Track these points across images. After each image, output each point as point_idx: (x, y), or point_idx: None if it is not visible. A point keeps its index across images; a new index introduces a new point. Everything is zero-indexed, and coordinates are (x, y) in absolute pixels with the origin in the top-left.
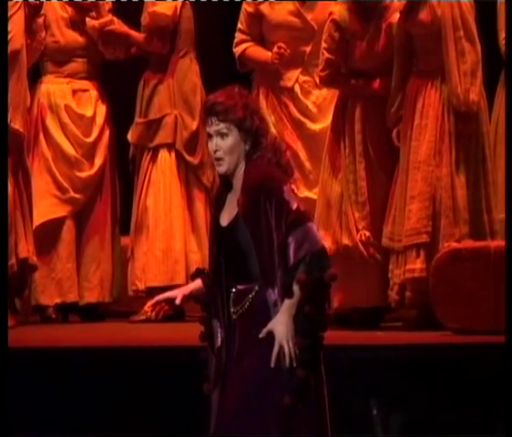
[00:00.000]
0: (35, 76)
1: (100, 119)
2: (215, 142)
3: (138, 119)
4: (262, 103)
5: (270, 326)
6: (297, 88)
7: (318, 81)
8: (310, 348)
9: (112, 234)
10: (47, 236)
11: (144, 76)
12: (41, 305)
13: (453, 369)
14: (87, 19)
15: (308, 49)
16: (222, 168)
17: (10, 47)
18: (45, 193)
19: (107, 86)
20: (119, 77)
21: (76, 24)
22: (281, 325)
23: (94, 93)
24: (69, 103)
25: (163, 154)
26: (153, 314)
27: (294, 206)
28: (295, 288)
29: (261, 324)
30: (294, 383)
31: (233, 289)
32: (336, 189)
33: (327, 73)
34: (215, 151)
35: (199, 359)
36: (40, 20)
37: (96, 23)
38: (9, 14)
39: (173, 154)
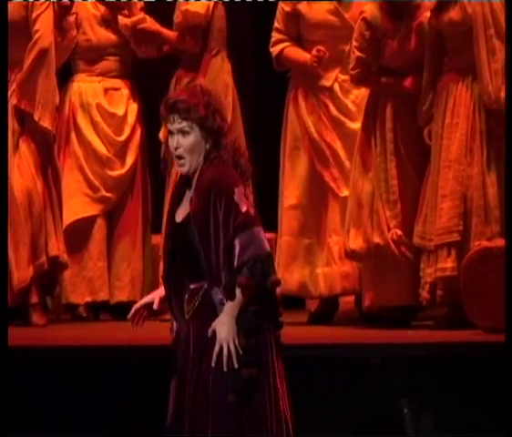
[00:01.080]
0: (66, 75)
1: (132, 118)
2: (176, 140)
3: None
4: (301, 102)
5: (213, 325)
6: (336, 87)
7: (350, 80)
8: (253, 348)
9: (143, 233)
10: (78, 234)
11: (176, 74)
12: (72, 303)
13: (483, 367)
14: (119, 17)
15: (347, 48)
16: (184, 168)
17: (38, 46)
18: (76, 192)
19: (138, 84)
20: (151, 76)
21: (109, 22)
22: (222, 325)
23: (125, 91)
24: (101, 101)
25: None
26: (134, 324)
27: (244, 209)
28: (237, 291)
29: (209, 323)
30: (238, 382)
31: (189, 287)
32: (367, 188)
33: (358, 71)
34: (176, 149)
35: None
36: (71, 19)
37: (128, 21)
38: (37, 12)
39: None
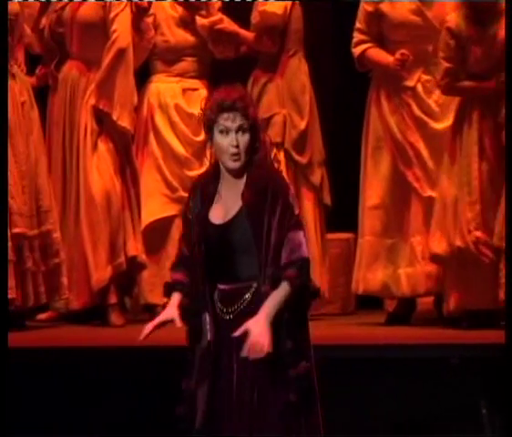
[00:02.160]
0: (144, 76)
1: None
2: (235, 138)
3: None
4: (383, 102)
5: (248, 325)
6: (419, 87)
7: (440, 91)
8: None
9: None
10: (157, 235)
11: (253, 74)
12: (150, 304)
13: None
14: (197, 18)
15: (430, 48)
16: (237, 164)
17: (116, 45)
18: (154, 192)
19: (216, 84)
20: (228, 76)
21: (186, 23)
22: (258, 325)
23: (203, 92)
24: (179, 102)
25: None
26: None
27: (296, 210)
28: (284, 283)
29: None
30: (298, 380)
31: (220, 288)
32: (452, 191)
33: (447, 82)
34: (236, 147)
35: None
36: (149, 20)
37: (205, 22)
38: (115, 12)
39: (282, 153)
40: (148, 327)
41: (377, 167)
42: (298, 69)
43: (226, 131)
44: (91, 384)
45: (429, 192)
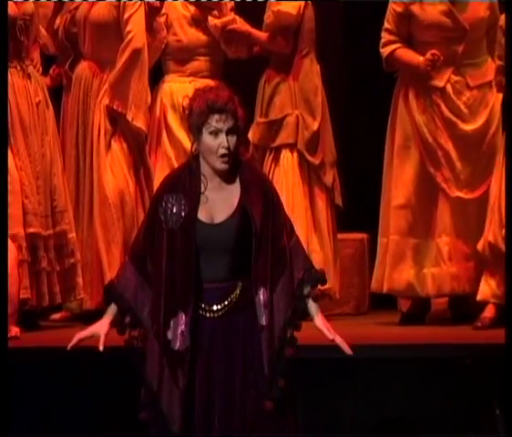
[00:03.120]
0: (157, 76)
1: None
2: (226, 139)
3: (258, 119)
4: (412, 101)
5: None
6: (449, 88)
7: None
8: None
9: None
10: None
11: (266, 73)
12: None
13: None
14: (210, 18)
15: (460, 49)
16: (227, 166)
17: (131, 46)
18: None
19: (228, 84)
20: (240, 76)
21: (199, 22)
22: None
23: None
24: None
25: (285, 154)
26: None
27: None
28: (311, 303)
29: (248, 322)
30: (277, 390)
31: (205, 287)
32: (498, 189)
33: (499, 79)
34: (227, 148)
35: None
36: (161, 20)
37: (218, 22)
38: (129, 13)
39: (295, 154)
40: (76, 337)
41: (404, 167)
42: (310, 70)
43: (216, 132)
44: (104, 384)
45: (457, 193)
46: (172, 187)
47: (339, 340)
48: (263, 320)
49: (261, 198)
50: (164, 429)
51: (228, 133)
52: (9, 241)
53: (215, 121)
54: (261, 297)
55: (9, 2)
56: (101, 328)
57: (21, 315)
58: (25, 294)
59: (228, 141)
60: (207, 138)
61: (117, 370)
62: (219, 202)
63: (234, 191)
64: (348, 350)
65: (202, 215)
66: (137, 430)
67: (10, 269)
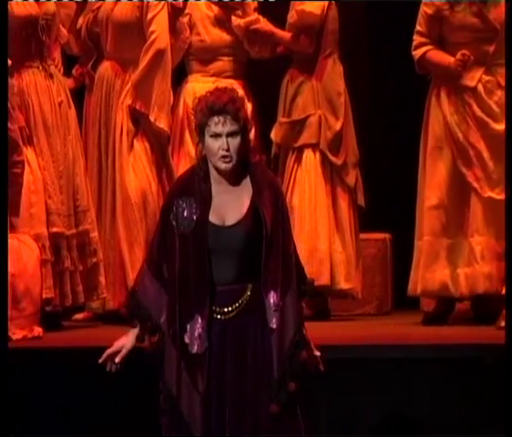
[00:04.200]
0: (180, 76)
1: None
2: (226, 141)
3: (281, 119)
4: (444, 102)
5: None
6: (480, 88)
7: None
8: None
9: None
10: None
11: (289, 73)
12: None
13: None
14: (233, 18)
15: (491, 49)
16: (229, 165)
17: (155, 47)
18: None
19: (251, 84)
20: (263, 75)
21: (222, 22)
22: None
23: (239, 92)
24: None
25: (308, 154)
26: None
27: None
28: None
29: (258, 324)
30: (284, 394)
31: (218, 289)
32: None
33: None
34: (227, 150)
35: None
36: (184, 20)
37: (241, 21)
38: (152, 13)
39: (318, 154)
40: (106, 353)
41: (436, 167)
42: (333, 70)
43: (216, 135)
44: (126, 384)
45: (489, 193)
46: (182, 191)
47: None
48: (273, 323)
49: (272, 201)
50: (185, 433)
51: (228, 135)
52: (32, 241)
53: (214, 124)
54: (271, 300)
55: (31, 2)
56: (127, 342)
57: (44, 315)
58: (48, 294)
59: (228, 143)
60: (208, 141)
61: (142, 372)
62: (229, 204)
63: (244, 193)
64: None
65: (213, 218)
66: (158, 433)
67: (33, 270)
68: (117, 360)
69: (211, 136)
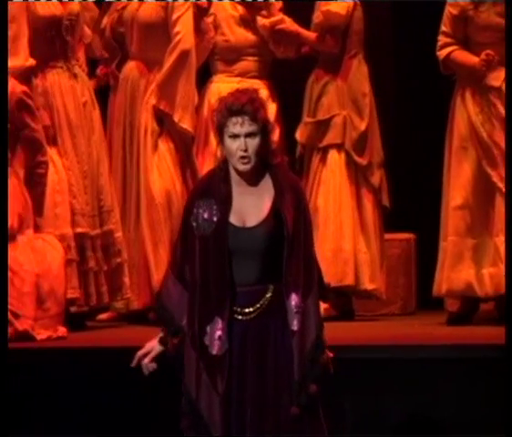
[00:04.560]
0: (205, 76)
1: (270, 118)
2: (244, 142)
3: (306, 119)
4: (469, 102)
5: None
6: (504, 88)
7: None
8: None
9: None
10: None
11: (314, 73)
12: None
13: None
14: (258, 18)
15: None
16: (248, 166)
17: (180, 47)
18: None
19: (277, 84)
20: (288, 76)
21: (247, 22)
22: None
23: (264, 92)
24: None
25: (333, 154)
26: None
27: None
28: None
29: (279, 325)
30: (305, 397)
31: (238, 290)
32: None
33: None
34: (245, 150)
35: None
36: (209, 20)
37: (266, 22)
38: (177, 14)
39: (342, 154)
40: (137, 356)
41: (461, 167)
42: (358, 71)
43: (234, 136)
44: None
45: None
46: (203, 192)
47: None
48: (295, 325)
49: (293, 203)
50: (205, 434)
51: (246, 136)
52: (56, 241)
53: (232, 124)
54: (293, 302)
55: (55, 2)
56: (156, 344)
57: (68, 315)
58: (73, 294)
59: (246, 144)
60: (227, 141)
61: (165, 373)
62: (250, 206)
63: (265, 195)
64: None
65: (234, 219)
66: (179, 434)
67: (57, 270)
68: (146, 360)
69: (230, 136)
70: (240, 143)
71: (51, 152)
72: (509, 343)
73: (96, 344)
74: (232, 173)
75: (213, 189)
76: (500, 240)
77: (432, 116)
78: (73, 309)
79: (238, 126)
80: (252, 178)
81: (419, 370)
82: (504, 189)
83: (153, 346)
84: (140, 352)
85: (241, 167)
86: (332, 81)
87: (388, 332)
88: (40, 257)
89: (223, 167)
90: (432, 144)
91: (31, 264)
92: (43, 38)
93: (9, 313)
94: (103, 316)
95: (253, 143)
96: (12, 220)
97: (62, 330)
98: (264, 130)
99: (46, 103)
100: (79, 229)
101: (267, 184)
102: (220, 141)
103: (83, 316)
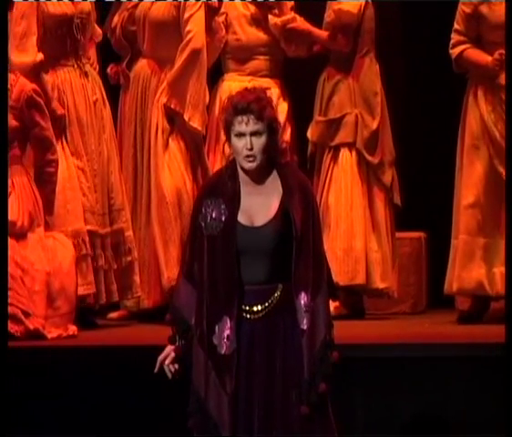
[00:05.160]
0: (216, 75)
1: (282, 117)
2: (250, 140)
3: (317, 117)
4: (481, 101)
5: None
6: None
7: None
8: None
9: None
10: None
11: (325, 72)
12: None
13: None
14: (270, 17)
15: None
16: (253, 164)
17: (191, 46)
18: None
19: (288, 83)
20: (299, 75)
21: (258, 21)
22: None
23: (276, 91)
24: None
25: (344, 153)
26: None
27: None
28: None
29: (288, 324)
30: (314, 396)
31: (246, 289)
32: None
33: None
34: (250, 149)
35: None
36: (220, 19)
37: (278, 20)
38: (189, 13)
39: (354, 153)
40: (158, 361)
41: (473, 166)
42: (370, 69)
43: (240, 134)
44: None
45: None
46: (211, 192)
47: None
48: (304, 324)
49: (302, 203)
50: (213, 434)
51: (252, 134)
52: (67, 240)
53: (238, 123)
54: (302, 300)
55: (66, 1)
56: (175, 347)
57: (79, 314)
58: (89, 289)
59: (251, 142)
60: (233, 140)
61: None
62: (258, 205)
63: (274, 194)
64: None
65: (242, 218)
66: (188, 433)
67: (68, 268)
68: (166, 362)
69: (236, 135)
70: (245, 141)
71: (61, 149)
72: (509, 343)
73: (106, 343)
74: (240, 172)
75: (221, 189)
76: None
77: (443, 115)
78: (83, 306)
79: (243, 124)
80: (259, 177)
81: (429, 368)
82: None
83: (172, 348)
84: (161, 356)
85: (247, 166)
86: (343, 80)
87: (399, 331)
88: (51, 255)
89: (231, 166)
90: (443, 142)
91: (42, 263)
92: (54, 37)
93: (20, 312)
94: (114, 314)
95: (259, 141)
96: (22, 219)
97: (73, 329)
98: (271, 129)
99: (57, 101)
100: (89, 227)
101: (275, 183)
102: (228, 140)
103: (93, 314)
